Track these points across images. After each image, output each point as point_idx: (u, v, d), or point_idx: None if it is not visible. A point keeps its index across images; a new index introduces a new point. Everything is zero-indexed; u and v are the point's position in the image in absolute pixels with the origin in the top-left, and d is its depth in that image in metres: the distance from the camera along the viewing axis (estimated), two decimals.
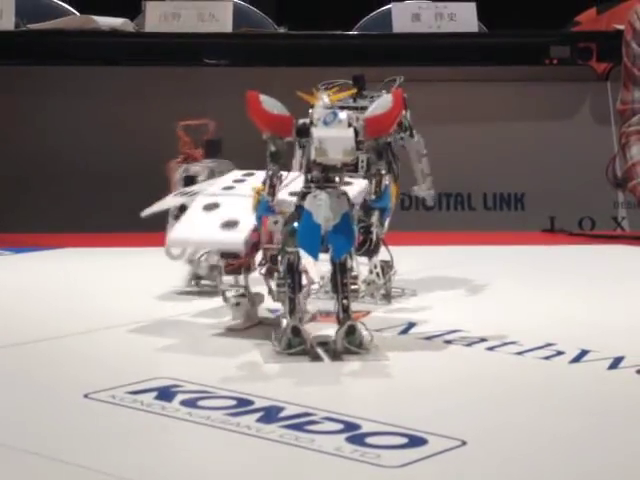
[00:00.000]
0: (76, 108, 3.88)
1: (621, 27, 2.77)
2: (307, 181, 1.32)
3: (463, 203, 3.95)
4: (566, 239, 2.53)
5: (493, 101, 3.86)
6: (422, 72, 3.77)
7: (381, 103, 1.36)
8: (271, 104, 1.34)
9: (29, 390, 1.23)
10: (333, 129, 1.30)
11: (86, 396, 1.17)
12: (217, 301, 1.52)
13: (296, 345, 1.32)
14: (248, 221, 1.42)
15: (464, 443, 1.04)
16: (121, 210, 3.61)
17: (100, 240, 2.32)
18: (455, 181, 3.77)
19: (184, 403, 1.16)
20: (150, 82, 3.84)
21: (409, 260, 1.74)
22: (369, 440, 1.04)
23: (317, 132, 1.30)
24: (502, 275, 1.91)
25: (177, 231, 1.47)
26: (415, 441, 1.04)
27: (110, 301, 1.69)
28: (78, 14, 4.33)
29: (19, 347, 1.41)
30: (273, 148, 1.34)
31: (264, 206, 1.35)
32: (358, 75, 1.56)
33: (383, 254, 1.58)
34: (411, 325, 1.53)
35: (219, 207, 1.47)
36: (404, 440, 1.04)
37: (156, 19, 3.72)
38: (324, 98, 1.34)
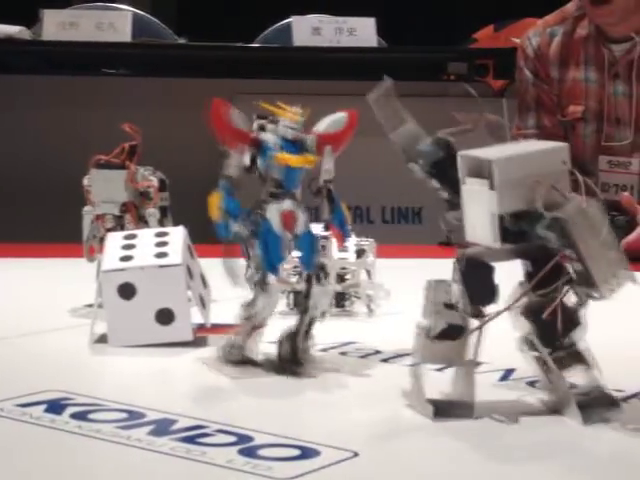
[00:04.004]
0: None
1: (518, 41, 2.81)
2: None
3: (362, 216, 3.97)
4: None
5: None
6: (322, 86, 3.78)
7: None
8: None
9: None
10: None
11: None
12: None
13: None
14: (181, 306, 1.44)
15: (356, 454, 1.04)
16: (28, 220, 3.56)
17: (5, 250, 2.27)
18: (354, 194, 3.79)
19: (74, 416, 1.14)
20: (51, 91, 3.79)
21: None
22: (261, 452, 1.04)
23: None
24: (399, 288, 1.91)
25: (114, 333, 1.45)
26: (307, 453, 1.04)
27: (3, 311, 1.66)
28: None
29: None
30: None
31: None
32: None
33: None
34: None
35: (136, 291, 1.45)
36: (296, 452, 1.04)
37: (54, 27, 3.67)
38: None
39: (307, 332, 1.35)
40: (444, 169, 1.19)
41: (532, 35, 2.73)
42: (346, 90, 3.77)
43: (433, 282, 1.19)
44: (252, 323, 1.35)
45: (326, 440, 1.07)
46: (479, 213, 1.14)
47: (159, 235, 1.52)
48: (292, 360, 1.34)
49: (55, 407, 1.17)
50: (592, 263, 1.09)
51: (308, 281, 1.35)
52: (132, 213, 1.64)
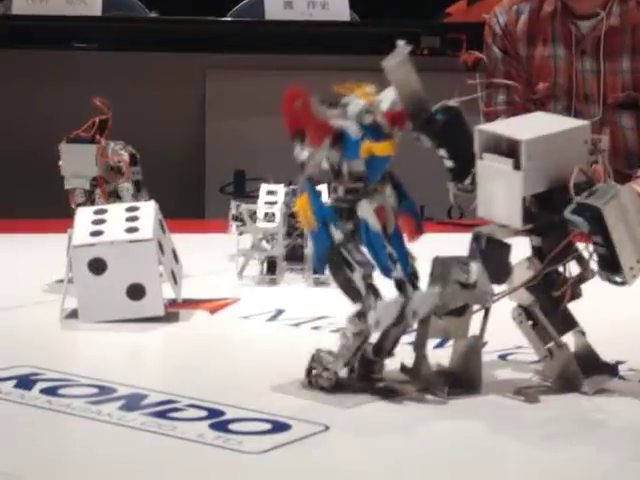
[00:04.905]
0: None
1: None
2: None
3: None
4: (435, 227, 2.56)
5: None
6: (294, 60, 3.77)
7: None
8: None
9: None
10: None
11: None
12: None
13: None
14: (152, 281, 1.43)
15: (327, 428, 1.04)
16: None
17: None
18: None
19: (44, 391, 1.13)
20: (21, 65, 3.75)
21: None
22: (232, 427, 1.04)
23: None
24: None
25: (85, 308, 1.44)
26: (278, 427, 1.04)
27: None
28: None
29: None
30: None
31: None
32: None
33: None
34: (279, 312, 1.53)
35: (106, 266, 1.44)
36: (267, 426, 1.04)
37: (24, 2, 3.64)
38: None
39: (393, 347, 1.16)
40: (452, 137, 1.16)
41: (499, 12, 2.73)
42: (319, 64, 3.77)
43: (444, 259, 1.16)
44: (361, 339, 1.14)
45: (297, 414, 1.07)
46: (498, 191, 1.12)
47: (130, 210, 1.51)
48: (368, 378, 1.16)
49: (25, 382, 1.16)
50: (621, 250, 1.09)
51: (401, 288, 1.14)
52: (102, 188, 1.63)
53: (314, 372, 1.14)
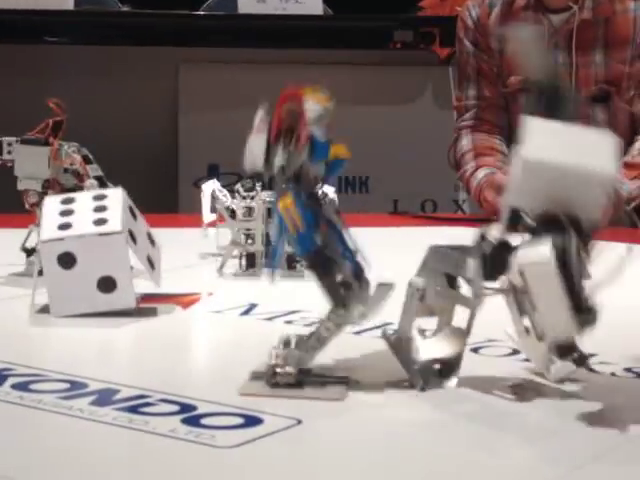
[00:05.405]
0: None
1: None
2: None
3: None
4: (409, 221, 2.56)
5: (337, 85, 3.88)
6: (267, 54, 3.76)
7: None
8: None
9: None
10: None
11: None
12: None
13: None
14: (123, 273, 1.42)
15: (299, 422, 1.04)
16: None
17: None
18: None
19: (15, 387, 1.13)
20: None
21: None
22: (204, 421, 1.03)
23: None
24: None
25: (56, 302, 1.42)
26: (250, 421, 1.04)
27: None
28: None
29: None
30: None
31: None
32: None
33: None
34: (253, 306, 1.53)
35: (76, 260, 1.42)
36: (240, 420, 1.04)
37: None
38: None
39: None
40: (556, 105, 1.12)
41: (471, 6, 2.73)
42: (292, 58, 3.77)
43: (438, 249, 1.16)
44: (339, 331, 1.15)
45: (269, 408, 1.07)
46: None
47: (97, 199, 1.49)
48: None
49: None
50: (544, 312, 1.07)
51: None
52: (55, 190, 1.61)
53: (279, 370, 1.13)
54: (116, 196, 1.49)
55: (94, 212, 1.46)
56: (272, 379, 1.13)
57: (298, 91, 1.12)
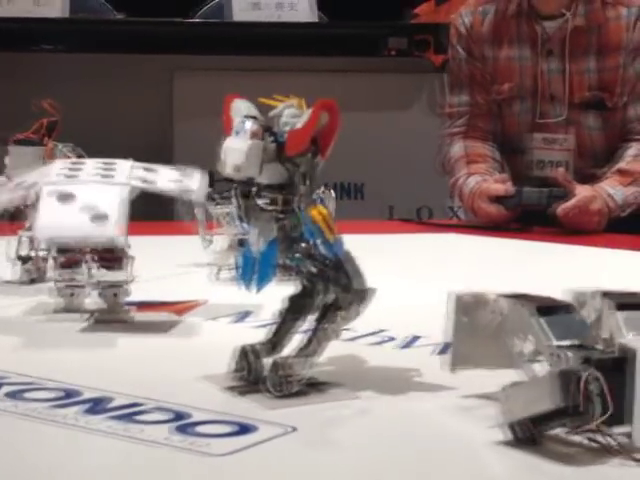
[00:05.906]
0: None
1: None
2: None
3: None
4: (405, 227, 2.57)
5: (333, 92, 3.88)
6: (262, 62, 3.77)
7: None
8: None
9: None
10: (237, 139, 1.18)
11: None
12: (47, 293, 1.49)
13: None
14: (117, 213, 1.40)
15: (294, 429, 1.04)
16: None
17: None
18: None
19: (9, 395, 1.13)
20: None
21: None
22: (199, 429, 1.03)
23: (226, 142, 1.20)
24: None
25: (45, 226, 1.41)
26: (245, 429, 1.04)
27: None
28: None
29: None
30: None
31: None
32: None
33: None
34: (247, 314, 1.53)
35: (75, 198, 1.42)
36: (234, 428, 1.04)
37: None
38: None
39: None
40: None
41: (464, 14, 2.74)
42: (287, 66, 3.77)
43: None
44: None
45: (264, 416, 1.07)
46: None
47: (106, 164, 1.50)
48: None
49: None
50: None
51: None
52: None
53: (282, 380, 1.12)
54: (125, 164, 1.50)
55: (103, 171, 1.47)
56: (280, 389, 1.12)
57: (331, 102, 1.14)
